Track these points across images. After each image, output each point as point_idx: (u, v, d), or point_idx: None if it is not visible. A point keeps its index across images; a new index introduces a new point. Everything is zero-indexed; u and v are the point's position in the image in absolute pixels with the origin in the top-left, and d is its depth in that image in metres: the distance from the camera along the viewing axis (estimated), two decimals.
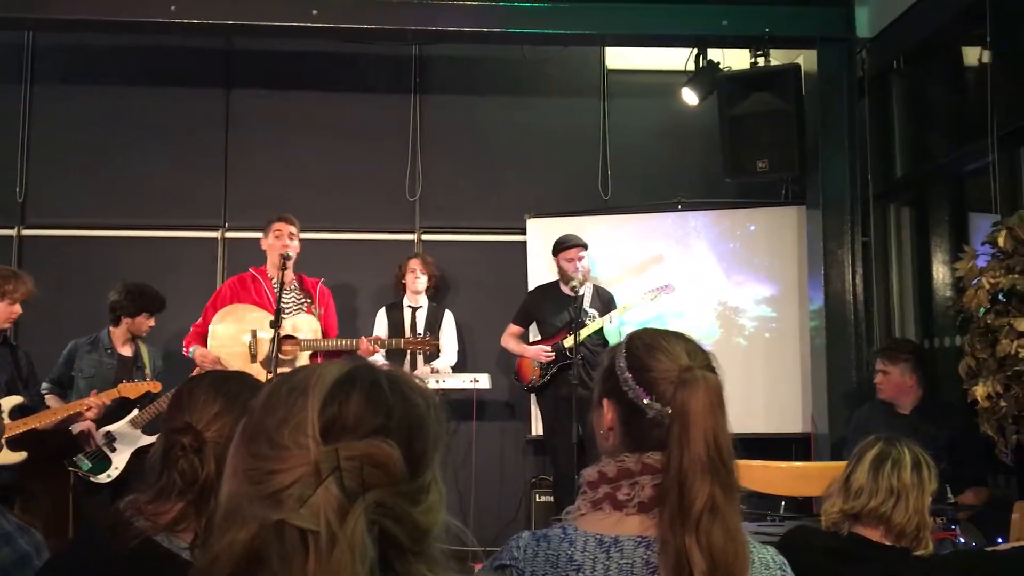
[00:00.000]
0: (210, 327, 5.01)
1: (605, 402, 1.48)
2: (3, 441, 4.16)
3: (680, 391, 1.37)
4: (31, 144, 6.33)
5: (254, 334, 4.84)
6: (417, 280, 5.85)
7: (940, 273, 5.30)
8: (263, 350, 4.83)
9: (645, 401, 1.41)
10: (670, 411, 1.37)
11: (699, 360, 1.44)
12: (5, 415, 4.35)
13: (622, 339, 1.55)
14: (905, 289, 5.65)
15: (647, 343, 1.47)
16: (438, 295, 6.16)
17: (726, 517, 1.32)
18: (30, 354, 4.77)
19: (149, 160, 6.35)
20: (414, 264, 5.88)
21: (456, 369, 5.88)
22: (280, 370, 4.59)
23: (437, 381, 5.40)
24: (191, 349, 5.03)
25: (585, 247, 5.55)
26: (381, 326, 5.88)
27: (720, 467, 1.33)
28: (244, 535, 0.85)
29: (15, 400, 4.45)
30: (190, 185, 6.36)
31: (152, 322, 5.09)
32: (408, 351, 5.53)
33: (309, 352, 4.91)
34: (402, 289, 5.95)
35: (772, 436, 5.74)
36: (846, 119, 5.48)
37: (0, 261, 5.30)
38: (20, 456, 4.41)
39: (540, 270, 6.03)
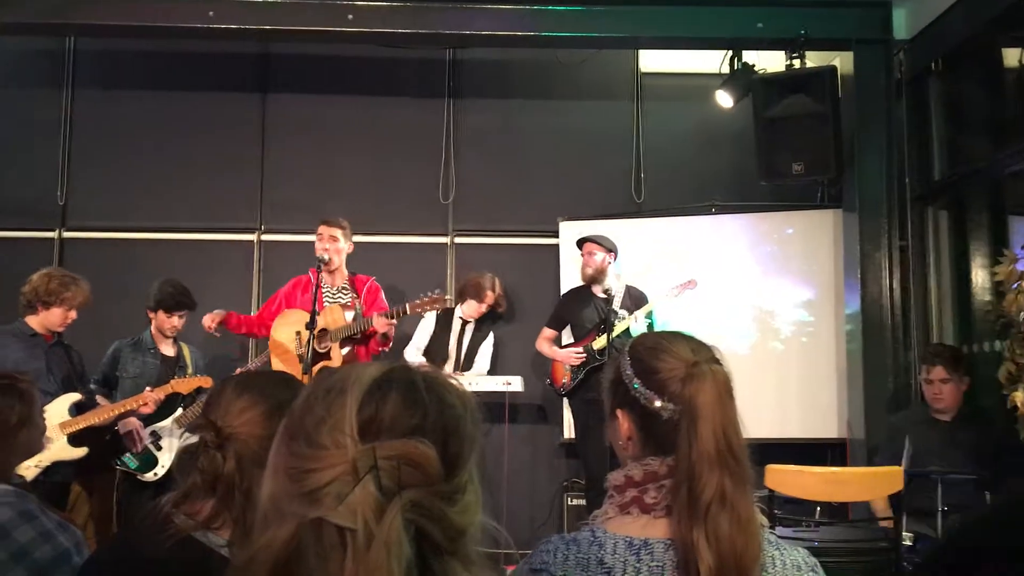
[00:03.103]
0: (271, 335, 5.12)
1: (619, 413, 1.48)
2: (49, 437, 4.24)
3: (688, 386, 1.38)
4: (72, 148, 6.45)
5: (298, 334, 4.90)
6: (476, 310, 5.87)
7: (979, 277, 5.22)
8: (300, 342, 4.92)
9: (657, 404, 1.41)
10: (681, 408, 1.38)
11: (704, 355, 1.43)
12: (65, 412, 4.44)
13: (624, 349, 1.54)
14: (943, 293, 5.57)
15: (649, 346, 1.47)
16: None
17: (736, 507, 1.31)
18: (80, 353, 4.86)
19: (187, 164, 6.44)
20: (487, 297, 5.85)
21: (489, 372, 5.89)
22: (322, 364, 4.68)
23: (470, 383, 5.41)
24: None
25: (598, 243, 5.48)
26: (427, 324, 5.93)
27: (729, 458, 1.33)
28: (283, 532, 0.86)
29: (74, 397, 4.54)
30: (227, 188, 6.45)
31: (174, 320, 5.08)
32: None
33: (339, 341, 4.92)
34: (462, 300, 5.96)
35: (807, 441, 5.69)
36: (883, 121, 5.42)
37: (42, 263, 5.37)
38: (81, 452, 4.49)
39: (573, 273, 6.01)
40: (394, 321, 4.92)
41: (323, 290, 5.06)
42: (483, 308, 5.89)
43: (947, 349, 4.67)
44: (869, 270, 5.39)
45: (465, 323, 5.93)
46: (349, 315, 4.99)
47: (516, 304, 6.31)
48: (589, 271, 5.47)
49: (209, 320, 5.10)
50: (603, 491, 1.48)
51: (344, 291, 5.21)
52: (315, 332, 4.65)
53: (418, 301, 4.92)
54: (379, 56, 6.36)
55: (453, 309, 5.96)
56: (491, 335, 6.00)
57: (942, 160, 5.55)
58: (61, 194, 6.39)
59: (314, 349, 4.66)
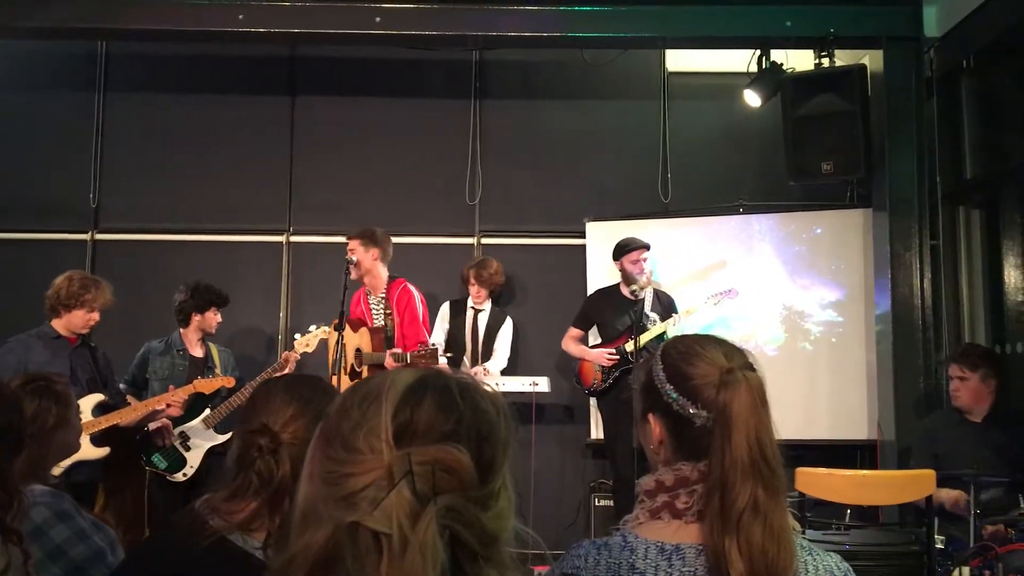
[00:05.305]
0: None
1: (650, 417, 1.46)
2: (83, 439, 4.29)
3: (722, 393, 1.36)
4: (104, 151, 6.52)
5: (359, 351, 5.14)
6: (477, 294, 5.92)
7: (1012, 276, 5.16)
8: (348, 357, 5.09)
9: (692, 410, 1.39)
10: (714, 415, 1.36)
11: (738, 360, 1.42)
12: (88, 412, 4.49)
13: (655, 352, 1.52)
14: (975, 293, 5.51)
15: (682, 351, 1.45)
16: (500, 299, 6.19)
17: (769, 516, 1.30)
18: (107, 354, 4.92)
19: (217, 166, 6.50)
20: (472, 278, 5.91)
21: (515, 372, 5.89)
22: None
23: (496, 384, 5.42)
24: None
25: (648, 248, 5.52)
26: (443, 322, 5.96)
27: (763, 466, 1.32)
28: (320, 536, 0.87)
29: (97, 398, 4.59)
30: (256, 190, 6.49)
31: (219, 317, 5.24)
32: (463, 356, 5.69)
33: (368, 366, 5.09)
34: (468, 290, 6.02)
35: (837, 443, 5.65)
36: (914, 120, 5.37)
37: (75, 264, 5.44)
38: (103, 452, 4.54)
39: (599, 273, 6.02)
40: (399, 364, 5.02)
41: (368, 298, 5.35)
42: (478, 289, 5.90)
43: (968, 347, 4.65)
44: (899, 270, 5.34)
45: (477, 312, 5.95)
46: (364, 336, 5.19)
47: (543, 304, 6.31)
48: (645, 278, 5.42)
49: None
50: (632, 492, 1.47)
51: (381, 303, 5.31)
52: (341, 336, 4.74)
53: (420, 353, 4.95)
54: (406, 58, 6.38)
55: (465, 300, 5.99)
56: (508, 321, 6.00)
57: (974, 159, 5.49)
58: (93, 196, 6.47)
59: (352, 368, 4.87)
